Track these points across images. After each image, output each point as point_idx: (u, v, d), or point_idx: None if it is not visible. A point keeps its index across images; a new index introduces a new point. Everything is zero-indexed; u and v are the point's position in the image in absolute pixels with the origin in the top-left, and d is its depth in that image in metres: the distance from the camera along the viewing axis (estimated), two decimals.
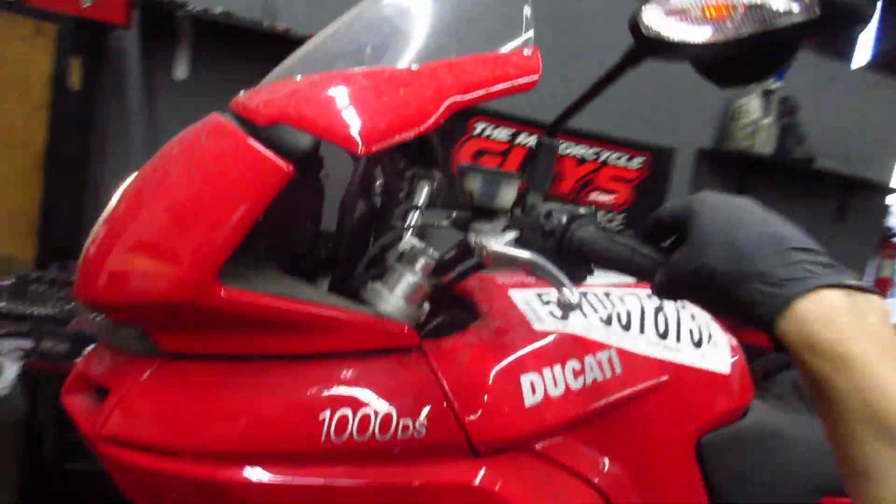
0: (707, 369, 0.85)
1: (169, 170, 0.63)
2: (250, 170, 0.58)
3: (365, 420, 0.63)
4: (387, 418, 0.63)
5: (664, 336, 0.83)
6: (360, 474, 0.63)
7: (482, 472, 0.66)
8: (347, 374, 0.65)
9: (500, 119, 3.20)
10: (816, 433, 0.66)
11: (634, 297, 0.86)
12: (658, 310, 0.86)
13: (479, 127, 3.18)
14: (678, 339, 0.84)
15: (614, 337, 0.79)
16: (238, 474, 0.61)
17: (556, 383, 0.71)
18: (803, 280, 0.44)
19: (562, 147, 3.27)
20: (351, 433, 0.62)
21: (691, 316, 0.89)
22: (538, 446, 0.71)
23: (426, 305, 0.72)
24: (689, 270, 0.48)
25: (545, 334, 0.76)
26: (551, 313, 0.79)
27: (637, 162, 3.41)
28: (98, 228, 0.64)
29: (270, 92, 0.66)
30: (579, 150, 3.32)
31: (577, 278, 0.60)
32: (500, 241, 0.64)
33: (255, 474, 0.61)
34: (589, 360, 0.75)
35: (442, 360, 0.68)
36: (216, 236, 0.57)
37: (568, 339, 0.76)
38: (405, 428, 0.64)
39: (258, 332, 0.64)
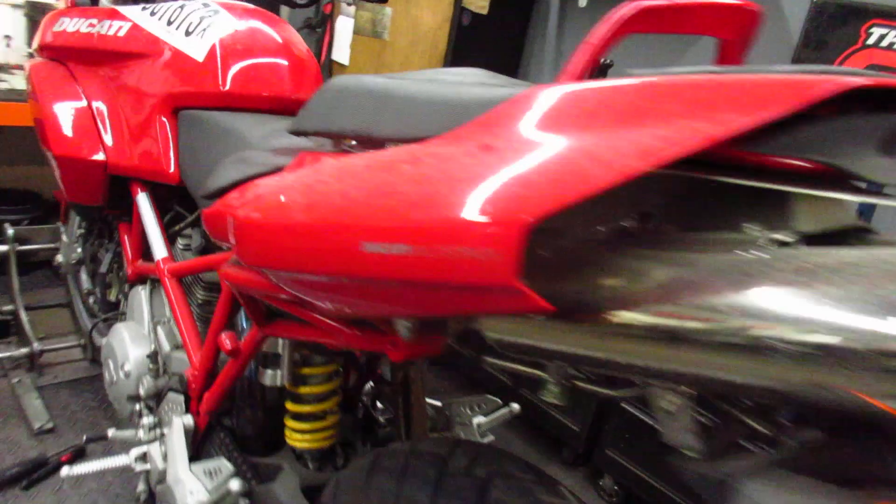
0: (186, 53, 1.07)
1: None
2: None
3: None
4: None
5: (171, 24, 1.11)
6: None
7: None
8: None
9: None
10: None
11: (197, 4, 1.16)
12: (194, 12, 1.12)
13: (877, 33, 2.35)
14: (179, 28, 1.10)
15: (140, 18, 1.15)
16: None
17: (70, 26, 1.21)
18: None
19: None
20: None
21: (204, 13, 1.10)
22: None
23: None
24: None
25: (103, 8, 1.23)
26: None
27: None
28: None
29: None
30: None
31: None
32: None
33: None
34: (105, 22, 1.17)
35: None
36: None
37: (106, 11, 1.20)
38: None
39: None
